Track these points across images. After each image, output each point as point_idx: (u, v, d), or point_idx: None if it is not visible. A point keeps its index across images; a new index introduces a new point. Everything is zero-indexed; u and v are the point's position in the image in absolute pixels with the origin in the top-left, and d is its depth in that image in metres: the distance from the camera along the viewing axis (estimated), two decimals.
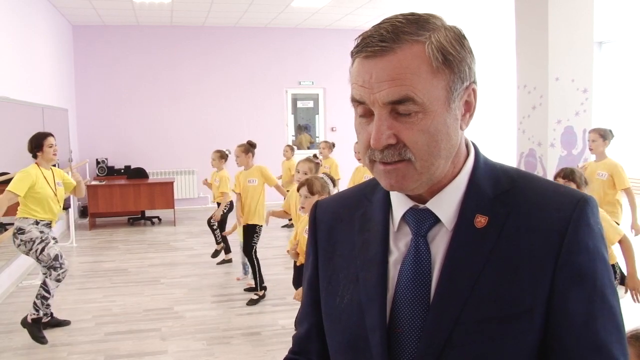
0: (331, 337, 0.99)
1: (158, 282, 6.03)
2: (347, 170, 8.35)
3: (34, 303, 4.29)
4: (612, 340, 0.83)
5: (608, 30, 11.05)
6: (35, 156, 4.40)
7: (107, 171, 9.96)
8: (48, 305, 4.35)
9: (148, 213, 9.65)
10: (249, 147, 5.53)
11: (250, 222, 5.38)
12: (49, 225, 4.44)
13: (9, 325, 4.77)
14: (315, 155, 6.42)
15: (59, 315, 4.77)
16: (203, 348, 4.27)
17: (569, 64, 5.60)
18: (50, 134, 4.48)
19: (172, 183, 9.31)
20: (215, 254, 6.79)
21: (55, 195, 4.44)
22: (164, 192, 9.21)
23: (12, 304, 5.34)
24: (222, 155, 6.70)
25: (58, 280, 4.35)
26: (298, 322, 1.10)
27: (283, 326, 4.67)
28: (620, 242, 3.53)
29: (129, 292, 5.67)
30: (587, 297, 0.82)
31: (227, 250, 6.80)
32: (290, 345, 1.12)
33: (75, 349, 4.25)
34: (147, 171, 9.96)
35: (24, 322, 4.34)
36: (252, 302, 5.23)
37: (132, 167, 10.08)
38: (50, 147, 4.39)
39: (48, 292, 4.30)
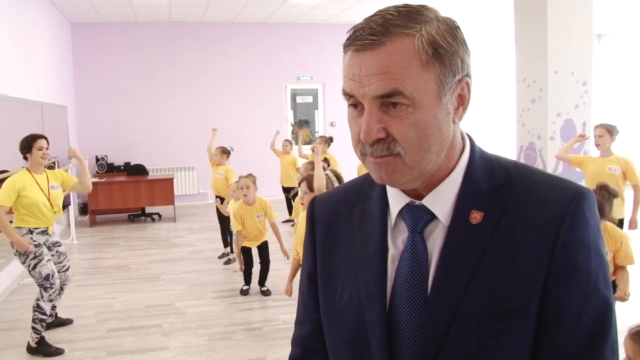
0: (330, 334, 0.98)
1: (159, 278, 6.04)
2: (346, 165, 8.35)
3: (33, 328, 4.07)
4: (603, 336, 0.82)
5: (607, 23, 11.02)
6: (25, 158, 4.17)
7: (107, 168, 9.96)
8: (44, 322, 4.16)
9: (148, 210, 9.65)
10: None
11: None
12: (45, 232, 4.25)
13: (10, 322, 4.79)
14: (325, 159, 6.41)
15: (61, 312, 4.77)
16: (204, 344, 4.28)
17: (568, 56, 5.59)
18: (42, 137, 4.23)
19: (171, 179, 9.31)
20: (222, 257, 6.79)
21: (49, 199, 4.22)
22: (164, 189, 9.21)
23: (14, 302, 5.35)
24: (224, 151, 6.73)
25: (51, 301, 4.17)
26: (299, 322, 1.08)
27: (284, 321, 4.68)
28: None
29: (130, 288, 5.68)
30: (580, 291, 0.82)
31: (227, 243, 6.81)
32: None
33: (77, 346, 4.26)
34: (146, 168, 9.96)
35: (30, 349, 4.09)
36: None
37: (131, 163, 10.08)
38: (40, 150, 4.13)
39: (45, 313, 4.12)
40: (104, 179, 9.21)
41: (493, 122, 11.31)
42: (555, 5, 5.53)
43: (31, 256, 4.12)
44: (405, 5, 0.83)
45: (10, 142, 5.60)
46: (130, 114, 10.47)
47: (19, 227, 4.13)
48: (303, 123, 11.78)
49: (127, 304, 5.20)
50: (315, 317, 1.02)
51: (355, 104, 0.85)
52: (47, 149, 4.23)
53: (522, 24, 5.95)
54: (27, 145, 4.15)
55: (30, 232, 4.17)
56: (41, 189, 4.19)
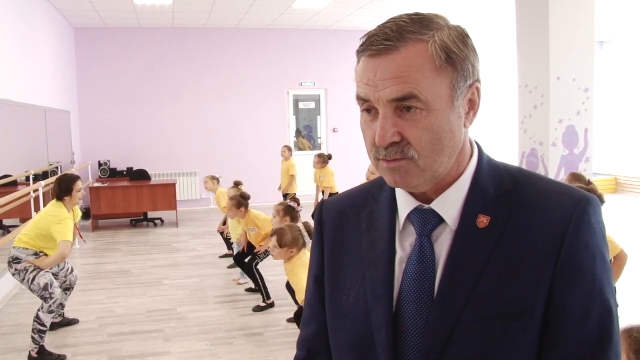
0: (336, 335, 0.99)
1: (161, 283, 6.04)
2: (349, 172, 8.36)
3: (32, 338, 4.04)
4: (608, 339, 0.84)
5: (609, 30, 11.04)
6: (61, 198, 4.25)
7: (109, 173, 9.97)
8: (44, 332, 4.10)
9: (150, 214, 9.66)
10: (242, 200, 5.35)
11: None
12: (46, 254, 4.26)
13: (12, 326, 4.79)
14: (295, 199, 6.23)
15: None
16: (206, 348, 4.28)
17: (570, 63, 5.60)
18: (78, 178, 4.40)
19: (174, 184, 9.31)
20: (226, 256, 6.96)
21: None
22: (166, 194, 9.21)
23: (15, 306, 5.35)
24: (214, 178, 7.07)
25: (51, 312, 4.12)
26: (304, 323, 1.09)
27: (286, 326, 4.68)
28: (615, 257, 3.49)
29: (132, 293, 5.68)
30: (585, 294, 0.83)
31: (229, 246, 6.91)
32: (293, 346, 1.10)
33: (79, 350, 4.26)
34: (149, 173, 9.97)
35: (32, 359, 4.05)
36: (258, 309, 5.13)
37: (134, 168, 10.09)
38: (78, 191, 4.28)
39: (44, 325, 4.07)
40: (106, 184, 9.22)
41: (495, 128, 11.32)
42: (557, 11, 5.55)
43: (30, 269, 4.11)
44: (417, 14, 0.86)
45: (14, 146, 5.62)
46: (133, 119, 10.50)
47: (26, 248, 4.14)
48: (300, 133, 11.73)
49: (129, 309, 5.20)
50: (321, 319, 1.03)
51: (368, 109, 0.86)
52: (82, 189, 4.39)
53: (524, 30, 5.97)
54: (68, 187, 4.25)
55: (36, 254, 4.18)
56: (72, 225, 4.31)
